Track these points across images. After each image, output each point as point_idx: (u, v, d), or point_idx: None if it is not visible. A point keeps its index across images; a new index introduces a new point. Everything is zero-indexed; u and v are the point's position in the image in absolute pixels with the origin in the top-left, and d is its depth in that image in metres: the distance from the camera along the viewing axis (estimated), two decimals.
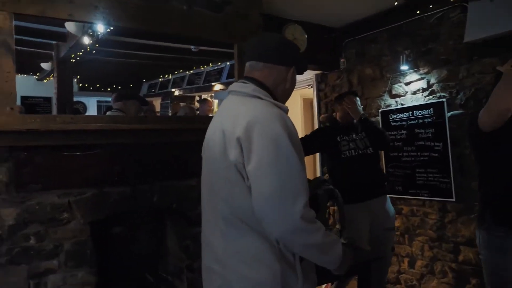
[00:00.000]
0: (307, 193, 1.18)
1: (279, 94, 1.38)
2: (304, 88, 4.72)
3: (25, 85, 7.08)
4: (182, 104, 6.83)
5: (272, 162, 1.16)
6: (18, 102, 7.03)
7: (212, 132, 1.35)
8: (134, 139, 2.18)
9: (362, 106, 2.99)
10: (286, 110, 1.33)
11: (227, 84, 5.53)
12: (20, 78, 6.68)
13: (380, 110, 3.56)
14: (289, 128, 1.22)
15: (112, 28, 3.21)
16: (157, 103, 7.89)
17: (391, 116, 3.45)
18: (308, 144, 2.78)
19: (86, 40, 3.57)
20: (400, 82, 3.43)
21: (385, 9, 3.37)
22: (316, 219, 1.22)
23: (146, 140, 2.23)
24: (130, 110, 3.15)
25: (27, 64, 5.96)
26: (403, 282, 3.45)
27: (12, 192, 1.91)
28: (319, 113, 4.29)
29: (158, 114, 6.86)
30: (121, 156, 2.17)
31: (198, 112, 5.65)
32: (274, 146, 1.17)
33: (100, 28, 3.09)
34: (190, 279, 2.37)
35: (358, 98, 2.94)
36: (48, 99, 7.65)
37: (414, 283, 3.36)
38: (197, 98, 7.59)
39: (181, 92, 7.21)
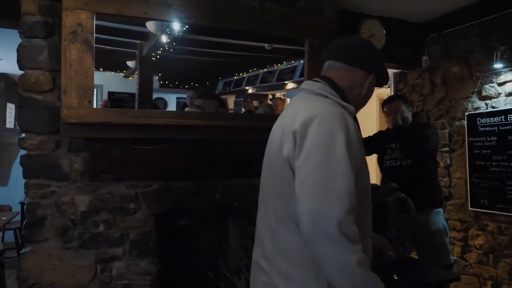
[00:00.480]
0: (351, 199, 1.05)
1: (353, 97, 1.29)
2: (381, 88, 4.45)
3: (113, 81, 7.67)
4: (255, 102, 6.87)
5: (320, 159, 1.07)
6: (106, 97, 7.66)
7: (275, 129, 1.32)
8: (201, 135, 2.20)
9: (410, 112, 2.78)
10: (350, 111, 1.23)
11: (299, 83, 5.42)
12: (108, 75, 7.25)
13: (466, 113, 3.21)
14: (348, 128, 1.12)
15: (187, 26, 3.31)
16: (231, 100, 8.06)
17: (479, 120, 3.09)
18: (368, 144, 2.62)
19: (164, 38, 3.73)
20: (493, 82, 3.06)
21: (478, 0, 3.02)
22: (358, 241, 1.05)
23: (212, 137, 2.24)
24: (209, 109, 3.22)
25: (115, 62, 6.44)
26: None
27: (86, 181, 2.03)
28: None
29: (231, 112, 7.00)
30: (187, 151, 2.20)
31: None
32: (326, 143, 1.08)
33: (176, 26, 3.19)
34: (248, 278, 2.34)
35: (405, 106, 2.76)
36: (132, 95, 8.20)
37: None
38: (270, 96, 7.60)
39: (254, 90, 7.27)
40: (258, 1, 2.46)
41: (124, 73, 7.41)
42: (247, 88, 7.36)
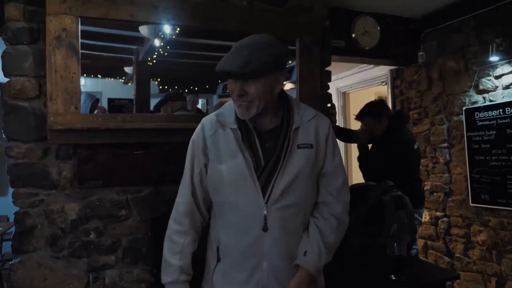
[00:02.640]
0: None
1: None
2: (378, 85, 4.40)
3: (113, 88, 7.66)
4: None
5: None
6: (105, 103, 7.65)
7: None
8: (189, 137, 2.16)
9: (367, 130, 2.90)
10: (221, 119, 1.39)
11: None
12: (108, 82, 7.24)
13: (464, 108, 3.16)
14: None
15: (178, 29, 3.28)
16: (231, 103, 8.02)
17: (477, 114, 3.04)
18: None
19: (157, 42, 3.70)
20: (489, 76, 3.00)
21: None
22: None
23: None
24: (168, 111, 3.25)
25: (113, 68, 6.42)
26: None
27: (75, 188, 2.00)
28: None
29: None
30: (176, 155, 2.14)
31: None
32: None
33: (167, 29, 3.18)
34: None
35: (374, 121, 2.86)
36: (131, 101, 8.21)
37: None
38: None
39: None
40: (248, 0, 2.43)
41: (123, 79, 7.40)
42: None
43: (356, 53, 3.35)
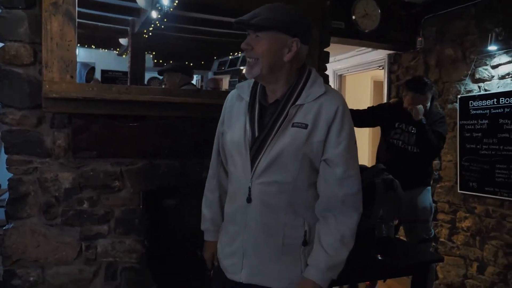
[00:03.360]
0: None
1: None
2: (375, 69, 4.41)
3: (107, 59, 7.53)
4: None
5: None
6: (98, 75, 7.54)
7: None
8: (186, 112, 2.16)
9: (424, 106, 2.65)
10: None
11: None
12: (102, 53, 7.12)
13: (459, 96, 3.19)
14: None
15: (176, 1, 3.22)
16: (226, 80, 7.97)
17: (471, 103, 3.07)
18: (367, 116, 2.85)
19: (155, 14, 3.64)
20: (486, 65, 3.02)
21: None
22: None
23: (198, 115, 2.19)
24: (172, 82, 3.17)
25: (108, 39, 6.31)
26: None
27: (69, 157, 2.00)
28: (389, 97, 3.98)
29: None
30: (173, 129, 2.16)
31: None
32: None
33: (165, 0, 3.12)
34: None
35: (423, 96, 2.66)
36: (126, 73, 8.11)
37: None
38: None
39: None
40: None
41: (117, 51, 7.28)
42: (241, 68, 7.27)
43: (356, 36, 3.34)
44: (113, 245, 2.08)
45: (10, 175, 1.98)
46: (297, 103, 1.28)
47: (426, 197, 2.78)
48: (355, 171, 1.31)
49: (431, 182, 3.03)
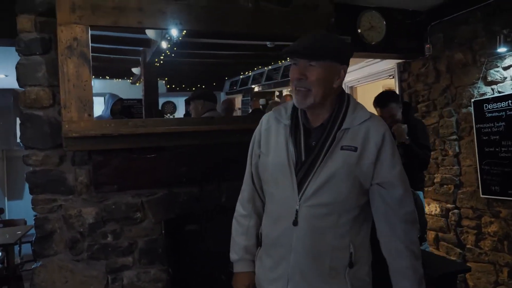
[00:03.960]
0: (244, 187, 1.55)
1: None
2: (386, 79, 4.40)
3: (120, 88, 7.73)
4: (261, 100, 6.86)
5: None
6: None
7: None
8: (200, 140, 2.21)
9: (400, 108, 2.75)
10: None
11: None
12: (115, 83, 7.33)
13: (472, 100, 3.15)
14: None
15: (185, 31, 3.32)
16: (238, 100, 8.06)
17: (486, 106, 3.03)
18: None
19: (164, 44, 3.75)
20: (497, 67, 2.99)
21: None
22: None
23: (212, 141, 2.24)
24: (197, 109, 3.22)
25: (121, 70, 6.50)
26: None
27: (91, 193, 2.06)
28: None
29: (239, 111, 7.00)
30: (189, 157, 2.21)
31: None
32: None
33: (174, 32, 3.21)
34: None
35: (397, 107, 2.72)
36: (140, 101, 8.29)
37: None
38: (276, 93, 7.57)
39: (260, 88, 7.26)
40: (252, 2, 2.45)
41: (130, 79, 7.47)
42: (253, 86, 7.34)
43: (363, 49, 3.35)
44: (139, 276, 2.11)
45: (32, 211, 2.04)
46: (343, 127, 1.31)
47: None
48: (410, 191, 1.37)
49: (423, 187, 3.09)
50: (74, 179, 2.05)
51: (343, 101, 1.37)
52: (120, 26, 2.18)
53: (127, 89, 8.00)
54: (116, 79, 7.07)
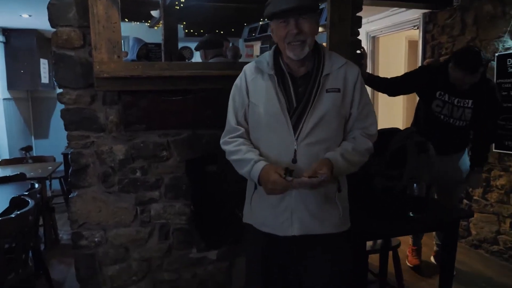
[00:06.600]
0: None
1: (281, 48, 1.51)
2: (410, 29, 4.30)
3: (139, 32, 7.66)
4: None
5: None
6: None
7: None
8: (223, 84, 2.27)
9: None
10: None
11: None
12: (134, 26, 7.26)
13: (496, 54, 3.11)
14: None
15: None
16: (257, 47, 7.95)
17: (509, 60, 3.00)
18: (404, 84, 2.70)
19: None
20: None
21: None
22: None
23: None
24: (202, 60, 3.29)
25: (140, 12, 6.43)
26: (501, 243, 3.19)
27: (121, 131, 2.19)
28: (424, 57, 3.91)
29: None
30: (212, 101, 2.29)
31: None
32: None
33: None
34: None
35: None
36: (159, 45, 8.22)
37: None
38: None
39: None
40: None
41: (149, 23, 7.39)
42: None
43: None
44: (165, 209, 2.30)
45: (61, 149, 2.19)
46: (324, 73, 1.48)
47: (466, 160, 2.81)
48: (376, 122, 1.59)
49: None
50: (105, 117, 2.17)
51: (319, 49, 1.51)
52: None
53: (145, 33, 7.92)
54: (134, 22, 7.01)
